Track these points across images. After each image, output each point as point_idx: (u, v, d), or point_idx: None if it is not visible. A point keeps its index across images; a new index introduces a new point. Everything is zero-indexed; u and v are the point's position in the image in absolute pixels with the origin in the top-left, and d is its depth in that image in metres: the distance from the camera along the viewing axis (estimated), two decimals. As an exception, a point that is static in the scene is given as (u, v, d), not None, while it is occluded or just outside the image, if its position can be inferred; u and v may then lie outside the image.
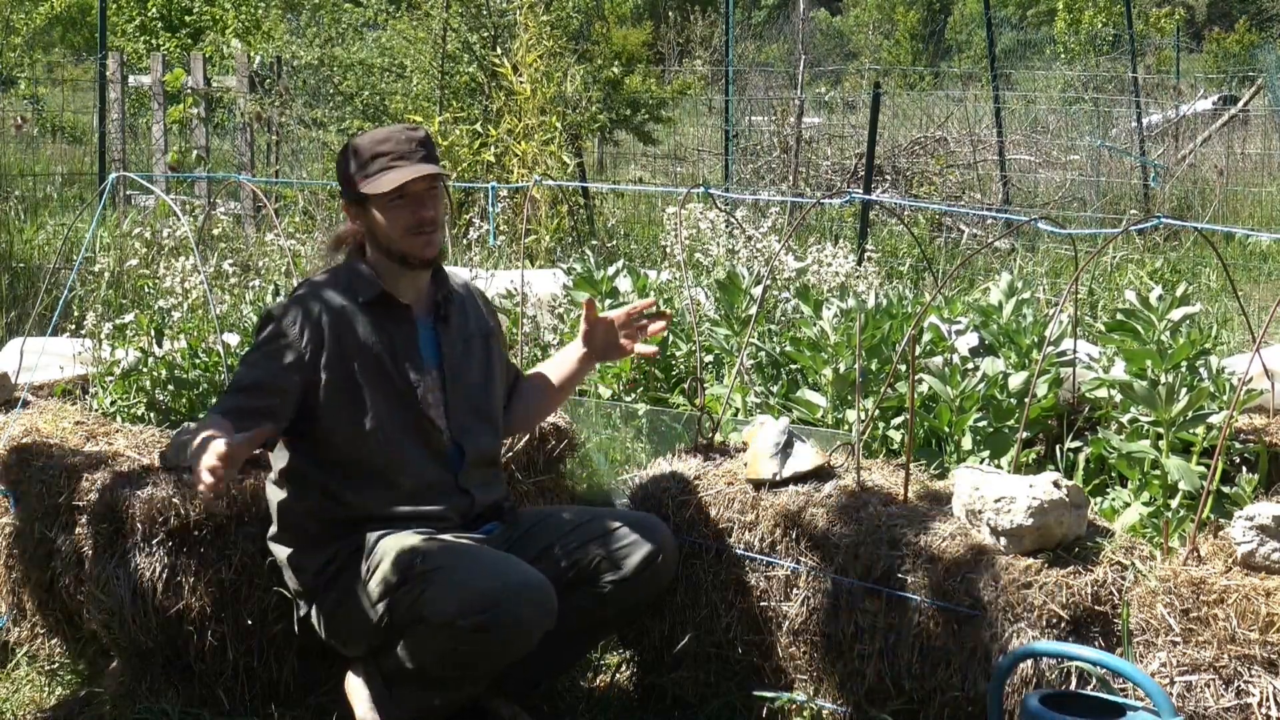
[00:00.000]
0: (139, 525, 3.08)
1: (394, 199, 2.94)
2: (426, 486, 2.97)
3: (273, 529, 3.02)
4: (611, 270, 4.62)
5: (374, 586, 2.86)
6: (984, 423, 3.47)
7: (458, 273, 3.33)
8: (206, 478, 2.51)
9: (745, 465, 3.14)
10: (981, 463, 3.29)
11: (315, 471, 2.96)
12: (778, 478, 3.08)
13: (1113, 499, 3.27)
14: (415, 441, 2.98)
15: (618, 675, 3.36)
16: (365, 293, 2.99)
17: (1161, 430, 3.25)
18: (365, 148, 2.97)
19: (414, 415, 2.98)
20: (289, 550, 2.98)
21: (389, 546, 2.87)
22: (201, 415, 2.82)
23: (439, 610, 2.74)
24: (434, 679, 2.86)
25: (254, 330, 2.97)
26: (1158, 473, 3.22)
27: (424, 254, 2.98)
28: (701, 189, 4.56)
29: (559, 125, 8.22)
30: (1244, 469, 3.36)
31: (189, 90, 9.98)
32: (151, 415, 3.69)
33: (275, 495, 3.01)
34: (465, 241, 6.22)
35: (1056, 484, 2.69)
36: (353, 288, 2.99)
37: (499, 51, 8.86)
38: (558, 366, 3.30)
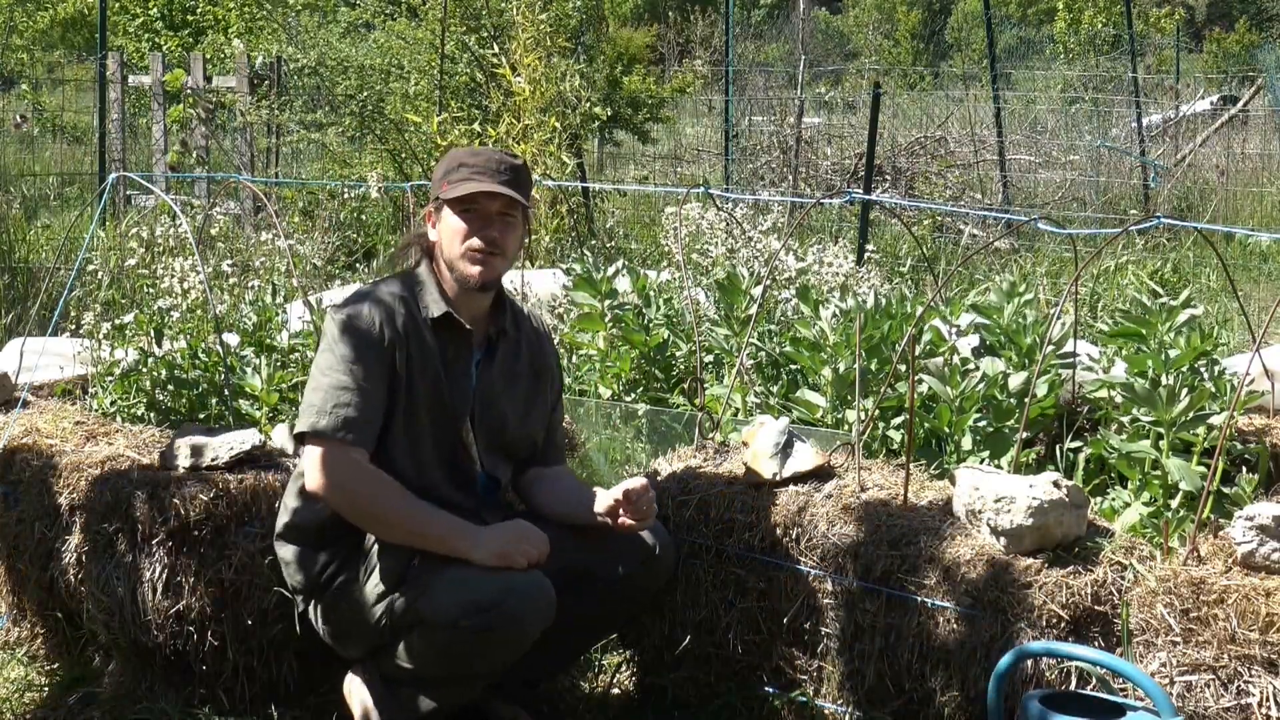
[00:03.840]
0: (139, 525, 3.08)
1: (464, 208, 2.95)
2: (447, 508, 2.92)
3: (280, 527, 3.00)
4: (611, 270, 4.63)
5: (371, 589, 2.86)
6: (984, 423, 3.47)
7: (536, 314, 3.30)
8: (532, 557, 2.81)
9: (745, 465, 3.14)
10: (981, 463, 3.29)
11: None
12: (778, 478, 3.08)
13: (1113, 499, 3.27)
14: (447, 465, 2.98)
15: (618, 675, 3.36)
16: (430, 309, 2.96)
17: (1162, 430, 3.25)
18: (459, 156, 2.99)
19: (452, 438, 2.98)
20: (294, 549, 2.97)
21: (384, 550, 2.86)
22: (324, 426, 2.79)
23: (439, 612, 2.74)
24: (433, 679, 2.86)
25: (337, 329, 2.89)
26: (1158, 473, 3.22)
27: (473, 275, 2.95)
28: (702, 189, 4.56)
29: (558, 125, 8.21)
30: (1244, 469, 3.36)
31: (189, 91, 9.98)
32: (151, 415, 3.68)
33: (294, 495, 2.98)
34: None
35: (1056, 484, 2.69)
36: (419, 301, 2.96)
37: (496, 51, 8.86)
38: (574, 501, 3.10)
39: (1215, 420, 3.24)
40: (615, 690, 3.33)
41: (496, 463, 3.06)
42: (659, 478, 3.22)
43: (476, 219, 2.95)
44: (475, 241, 2.94)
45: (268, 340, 3.88)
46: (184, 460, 3.17)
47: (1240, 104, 14.54)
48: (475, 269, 2.95)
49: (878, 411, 3.50)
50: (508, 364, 3.08)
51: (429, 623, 2.76)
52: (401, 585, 2.82)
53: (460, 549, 2.78)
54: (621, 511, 2.98)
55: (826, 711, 2.92)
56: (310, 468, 2.84)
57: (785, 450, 3.10)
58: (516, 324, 3.14)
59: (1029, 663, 2.59)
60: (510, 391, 3.07)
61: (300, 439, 2.89)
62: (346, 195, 7.35)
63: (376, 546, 2.88)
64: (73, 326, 4.19)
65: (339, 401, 2.83)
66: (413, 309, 2.95)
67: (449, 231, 2.97)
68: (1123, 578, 2.59)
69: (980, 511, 2.74)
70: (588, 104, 8.65)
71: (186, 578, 3.06)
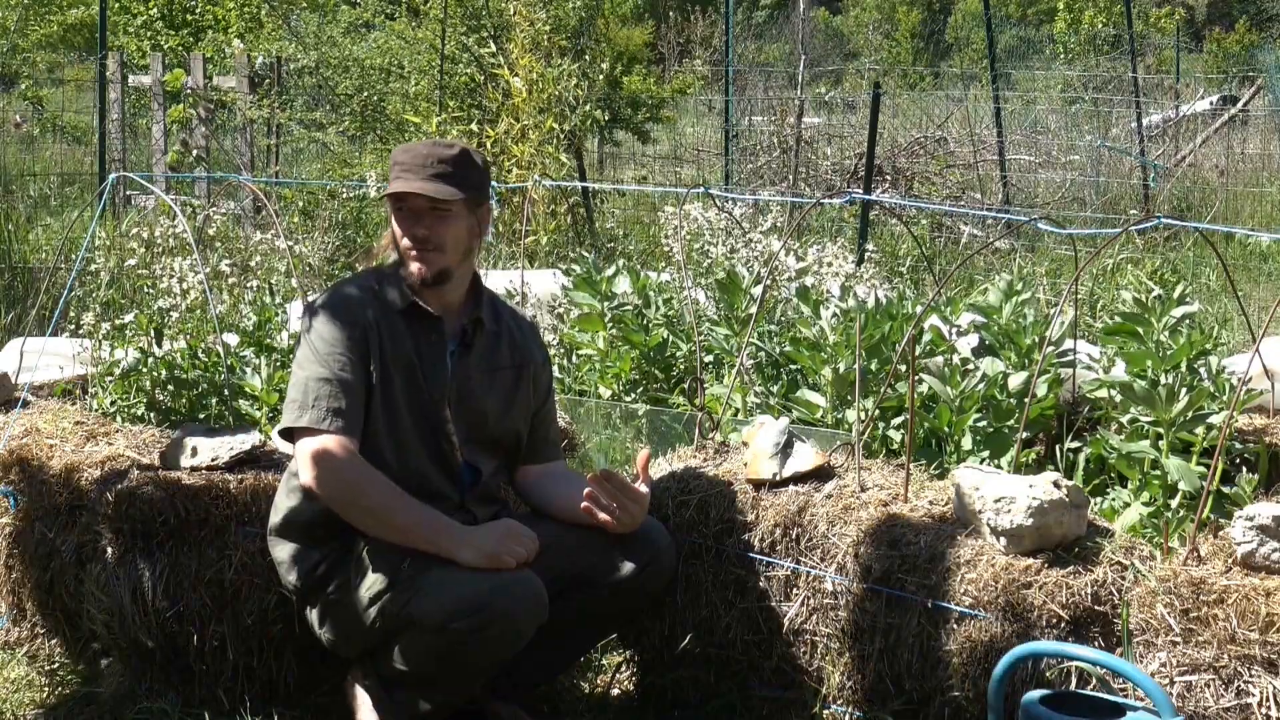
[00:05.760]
0: (139, 525, 3.08)
1: (396, 206, 2.97)
2: (432, 498, 2.94)
3: (274, 525, 3.00)
4: (610, 271, 4.63)
5: (363, 592, 2.85)
6: (984, 423, 3.47)
7: (515, 308, 3.31)
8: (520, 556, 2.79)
9: (745, 465, 3.14)
10: (981, 463, 3.29)
11: None
12: (778, 478, 3.08)
13: (1113, 499, 3.27)
14: (431, 454, 2.98)
15: (618, 675, 3.36)
16: (398, 300, 2.98)
17: (1161, 430, 3.25)
18: (396, 154, 3.01)
19: (434, 427, 2.99)
20: (287, 547, 2.97)
21: (374, 552, 2.86)
22: (307, 421, 2.84)
23: (430, 613, 2.74)
24: (429, 680, 2.86)
25: (312, 324, 2.94)
26: (1158, 473, 3.22)
27: (412, 272, 2.96)
28: (702, 189, 4.56)
29: (556, 126, 8.21)
30: (1244, 469, 3.36)
31: (189, 90, 9.98)
32: (151, 415, 3.69)
33: (285, 494, 2.99)
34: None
35: (1056, 484, 2.69)
36: (389, 292, 2.99)
37: (494, 50, 8.86)
38: (574, 501, 3.02)
39: (1215, 420, 3.24)
40: (615, 690, 3.33)
41: (477, 454, 3.05)
42: (653, 479, 3.22)
43: (405, 217, 2.97)
44: (405, 241, 2.97)
45: (267, 340, 3.88)
46: (184, 460, 3.18)
47: (1240, 104, 14.54)
48: (414, 266, 2.97)
49: (878, 411, 3.50)
50: (486, 357, 3.07)
51: (421, 624, 2.76)
52: (393, 587, 2.81)
53: (448, 548, 2.78)
54: (589, 504, 2.96)
55: (826, 712, 2.92)
56: (301, 462, 2.84)
57: (785, 450, 3.10)
58: (496, 316, 3.13)
59: (1029, 663, 2.59)
60: (490, 385, 3.06)
61: (288, 435, 2.90)
62: (346, 195, 7.35)
63: (368, 549, 2.87)
64: (73, 326, 4.18)
65: (320, 393, 2.85)
66: (383, 300, 2.98)
67: (393, 230, 3.01)
68: (1123, 578, 2.59)
69: (980, 511, 2.74)
70: (586, 105, 8.66)
71: (186, 578, 3.06)
